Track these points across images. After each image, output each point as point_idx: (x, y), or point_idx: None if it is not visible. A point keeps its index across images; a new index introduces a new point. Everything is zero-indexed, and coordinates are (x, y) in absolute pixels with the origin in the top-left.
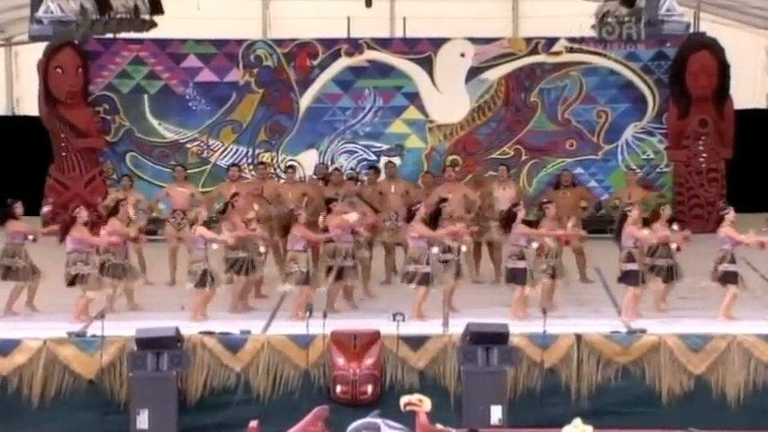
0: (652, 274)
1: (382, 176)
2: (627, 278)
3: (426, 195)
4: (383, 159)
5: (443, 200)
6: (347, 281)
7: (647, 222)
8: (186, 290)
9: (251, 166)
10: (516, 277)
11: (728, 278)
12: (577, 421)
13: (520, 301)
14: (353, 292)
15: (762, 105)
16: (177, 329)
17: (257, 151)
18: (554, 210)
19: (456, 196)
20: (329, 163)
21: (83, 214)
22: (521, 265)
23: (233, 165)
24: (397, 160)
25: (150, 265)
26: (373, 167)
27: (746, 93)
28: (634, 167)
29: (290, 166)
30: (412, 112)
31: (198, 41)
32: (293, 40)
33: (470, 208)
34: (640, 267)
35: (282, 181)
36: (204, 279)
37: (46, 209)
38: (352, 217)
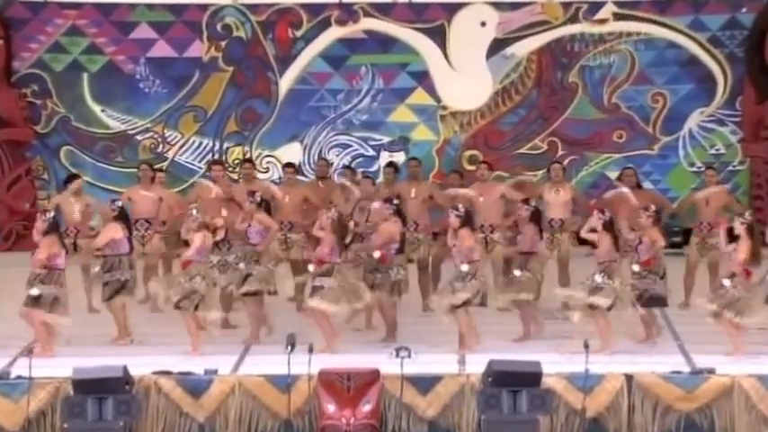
0: None
1: (380, 178)
2: None
3: (452, 201)
4: (383, 155)
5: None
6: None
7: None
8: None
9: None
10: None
11: None
12: None
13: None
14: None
15: None
16: (125, 369)
17: (226, 145)
18: (651, 221)
19: (490, 198)
20: (316, 158)
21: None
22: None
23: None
24: (400, 156)
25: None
26: (349, 168)
27: None
28: (700, 165)
29: (289, 164)
30: (420, 96)
31: (151, 6)
32: (271, 5)
33: (510, 212)
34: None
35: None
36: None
37: None
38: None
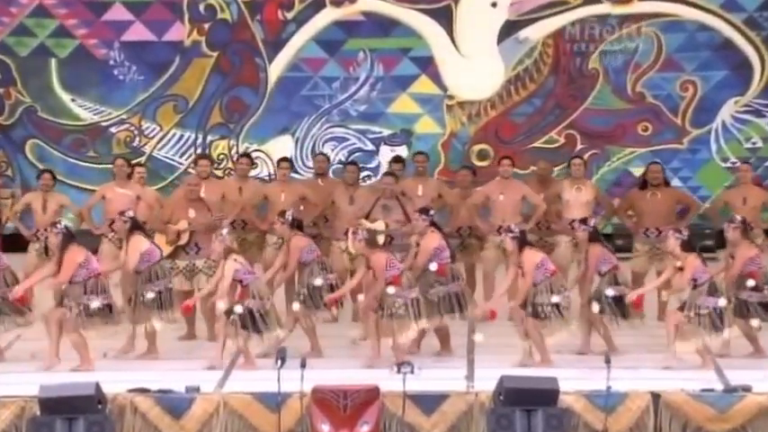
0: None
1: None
2: None
3: (463, 199)
4: (384, 149)
5: None
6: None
7: None
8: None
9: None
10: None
11: None
12: None
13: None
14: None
15: None
16: (98, 386)
17: (209, 138)
18: (738, 233)
19: (510, 198)
20: (309, 153)
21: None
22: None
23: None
24: (402, 150)
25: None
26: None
27: None
28: (734, 160)
29: (285, 159)
30: (424, 85)
31: None
32: None
33: (530, 216)
34: None
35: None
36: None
37: None
38: (380, 225)
